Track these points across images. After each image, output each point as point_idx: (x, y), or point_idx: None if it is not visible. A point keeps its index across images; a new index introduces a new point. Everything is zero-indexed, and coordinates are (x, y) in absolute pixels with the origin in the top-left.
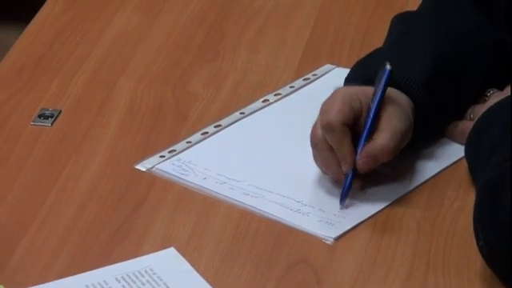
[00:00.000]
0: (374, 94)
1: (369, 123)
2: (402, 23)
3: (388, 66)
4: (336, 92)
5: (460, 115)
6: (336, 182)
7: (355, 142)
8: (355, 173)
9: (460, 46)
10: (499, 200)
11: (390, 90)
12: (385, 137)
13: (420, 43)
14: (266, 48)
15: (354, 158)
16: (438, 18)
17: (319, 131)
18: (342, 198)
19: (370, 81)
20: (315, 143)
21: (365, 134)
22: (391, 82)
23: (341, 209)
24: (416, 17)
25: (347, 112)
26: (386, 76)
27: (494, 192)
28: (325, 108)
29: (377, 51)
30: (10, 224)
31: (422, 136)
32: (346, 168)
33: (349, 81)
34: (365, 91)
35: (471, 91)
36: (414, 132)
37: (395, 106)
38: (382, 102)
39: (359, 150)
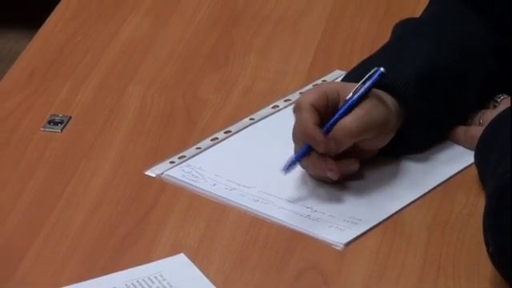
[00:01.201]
0: (357, 88)
1: (341, 109)
2: (401, 29)
3: (382, 69)
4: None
5: (459, 120)
6: (314, 177)
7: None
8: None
9: (459, 53)
10: (508, 207)
11: (375, 90)
12: (348, 119)
13: (415, 47)
14: (275, 54)
15: (323, 137)
16: (438, 24)
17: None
18: (288, 166)
19: (355, 79)
20: (295, 135)
21: (333, 119)
22: (379, 83)
23: (284, 174)
24: (416, 23)
25: (318, 97)
26: (375, 75)
27: (502, 200)
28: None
29: (370, 56)
30: (20, 230)
31: (419, 139)
32: (319, 147)
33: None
34: (345, 86)
35: (471, 97)
36: (410, 134)
37: (375, 100)
38: (363, 97)
39: (324, 132)
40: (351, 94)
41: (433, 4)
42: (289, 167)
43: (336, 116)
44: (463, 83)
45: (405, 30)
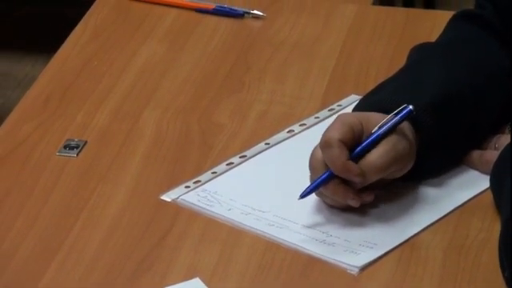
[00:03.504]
0: (385, 122)
1: (366, 142)
2: (417, 53)
3: (411, 107)
4: (338, 116)
5: (475, 145)
6: (333, 205)
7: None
8: (331, 177)
9: (475, 77)
10: None
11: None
12: (374, 154)
13: (431, 71)
14: (291, 79)
15: (360, 169)
16: (454, 49)
17: (318, 153)
18: (306, 192)
19: (374, 106)
20: (313, 165)
21: (357, 151)
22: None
23: (299, 199)
24: (432, 47)
25: (345, 131)
26: (404, 112)
27: None
28: (325, 130)
29: (387, 80)
30: (36, 254)
31: (435, 164)
32: (358, 179)
33: (357, 109)
34: (368, 116)
35: (487, 121)
36: (425, 159)
37: (399, 133)
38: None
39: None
40: (377, 127)
41: (449, 29)
42: (307, 194)
43: (359, 148)
44: (479, 107)
45: (421, 54)
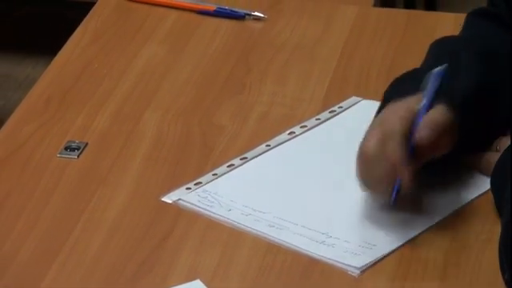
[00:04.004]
0: (427, 90)
1: (423, 109)
2: (441, 46)
3: (441, 67)
4: (392, 107)
5: (491, 141)
6: (382, 197)
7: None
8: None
9: (498, 74)
10: None
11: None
12: (434, 112)
13: (463, 64)
14: (292, 80)
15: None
16: (476, 44)
17: (373, 143)
18: (394, 200)
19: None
20: (370, 155)
21: (420, 114)
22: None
23: (392, 204)
24: (459, 41)
25: (406, 124)
26: (441, 72)
27: None
28: (382, 120)
29: (416, 69)
30: (37, 256)
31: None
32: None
33: (391, 95)
34: (415, 105)
35: (504, 119)
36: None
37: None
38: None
39: (415, 128)
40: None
41: (467, 26)
42: (393, 202)
43: (420, 114)
44: (499, 103)
45: (448, 46)
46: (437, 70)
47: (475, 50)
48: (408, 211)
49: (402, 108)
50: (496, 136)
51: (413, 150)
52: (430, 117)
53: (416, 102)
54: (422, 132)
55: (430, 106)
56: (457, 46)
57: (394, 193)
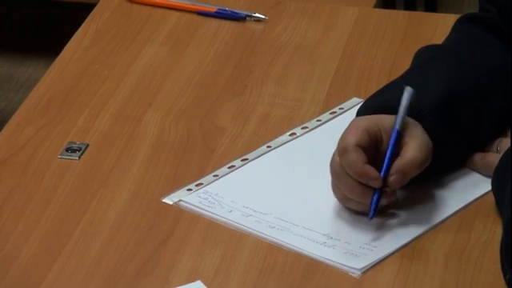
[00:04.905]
0: (396, 115)
1: (392, 140)
2: (423, 55)
3: (409, 88)
4: (351, 121)
5: (478, 147)
6: (359, 210)
7: (380, 168)
8: (382, 189)
9: (479, 78)
10: None
11: (409, 119)
12: (411, 150)
13: (435, 72)
14: (292, 82)
15: (378, 173)
16: (459, 52)
17: (337, 158)
18: (372, 214)
19: (384, 107)
20: (335, 170)
21: (389, 152)
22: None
23: (370, 219)
24: (438, 49)
25: (361, 135)
26: (408, 96)
27: None
28: (341, 136)
29: (391, 82)
30: (38, 257)
31: (437, 165)
32: (376, 183)
33: (362, 111)
34: (380, 118)
35: (490, 124)
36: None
37: (414, 125)
38: (404, 121)
39: (384, 169)
40: (394, 122)
41: (454, 31)
42: (374, 213)
43: (389, 150)
44: (483, 109)
45: (426, 55)
46: (408, 88)
47: (453, 58)
48: (409, 212)
49: (363, 122)
50: (485, 141)
51: (389, 162)
52: (408, 158)
53: (383, 120)
54: (392, 179)
55: (401, 120)
56: (434, 56)
57: (373, 207)
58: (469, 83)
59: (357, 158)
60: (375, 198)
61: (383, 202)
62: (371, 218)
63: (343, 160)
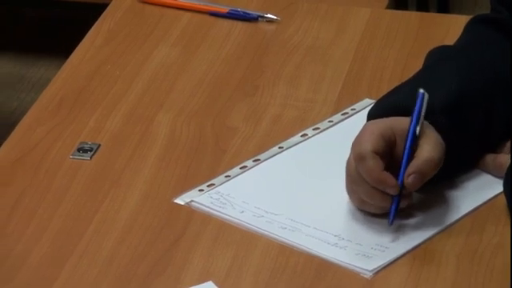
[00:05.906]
0: (411, 119)
1: (408, 144)
2: (434, 56)
3: (421, 90)
4: (364, 126)
5: (488, 148)
6: (376, 213)
7: (395, 172)
8: (401, 194)
9: (491, 81)
10: None
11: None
12: (427, 150)
13: (446, 74)
14: (304, 83)
15: (396, 180)
16: (469, 52)
17: (353, 163)
18: (392, 220)
19: (397, 108)
20: (351, 175)
21: (405, 156)
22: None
23: (390, 225)
24: (449, 50)
25: (377, 140)
26: (420, 99)
27: None
28: (355, 141)
29: (402, 83)
30: (50, 257)
31: (448, 167)
32: (393, 190)
33: (373, 112)
34: (393, 121)
35: (500, 125)
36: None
37: (426, 126)
38: (419, 123)
39: (402, 173)
40: (409, 126)
41: (465, 33)
42: (393, 219)
43: (406, 152)
44: (493, 111)
45: (437, 57)
46: (419, 94)
47: (463, 59)
48: (420, 214)
49: (377, 126)
50: (494, 142)
51: (406, 166)
52: (424, 158)
53: (397, 123)
54: (410, 180)
55: (416, 124)
56: (444, 56)
57: (392, 213)
58: (477, 84)
59: (374, 166)
60: (394, 203)
61: (402, 205)
62: (391, 224)
63: (360, 167)
